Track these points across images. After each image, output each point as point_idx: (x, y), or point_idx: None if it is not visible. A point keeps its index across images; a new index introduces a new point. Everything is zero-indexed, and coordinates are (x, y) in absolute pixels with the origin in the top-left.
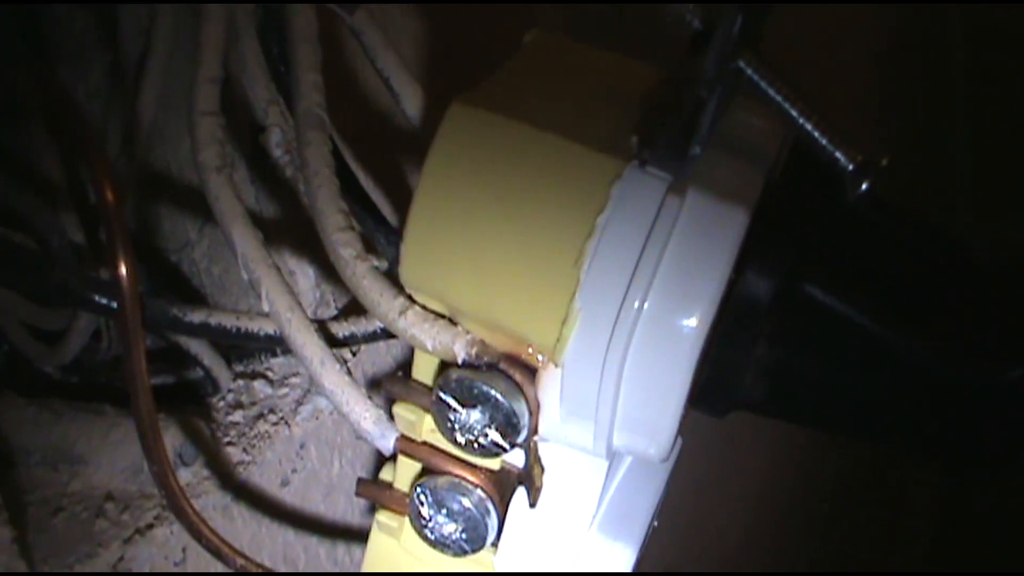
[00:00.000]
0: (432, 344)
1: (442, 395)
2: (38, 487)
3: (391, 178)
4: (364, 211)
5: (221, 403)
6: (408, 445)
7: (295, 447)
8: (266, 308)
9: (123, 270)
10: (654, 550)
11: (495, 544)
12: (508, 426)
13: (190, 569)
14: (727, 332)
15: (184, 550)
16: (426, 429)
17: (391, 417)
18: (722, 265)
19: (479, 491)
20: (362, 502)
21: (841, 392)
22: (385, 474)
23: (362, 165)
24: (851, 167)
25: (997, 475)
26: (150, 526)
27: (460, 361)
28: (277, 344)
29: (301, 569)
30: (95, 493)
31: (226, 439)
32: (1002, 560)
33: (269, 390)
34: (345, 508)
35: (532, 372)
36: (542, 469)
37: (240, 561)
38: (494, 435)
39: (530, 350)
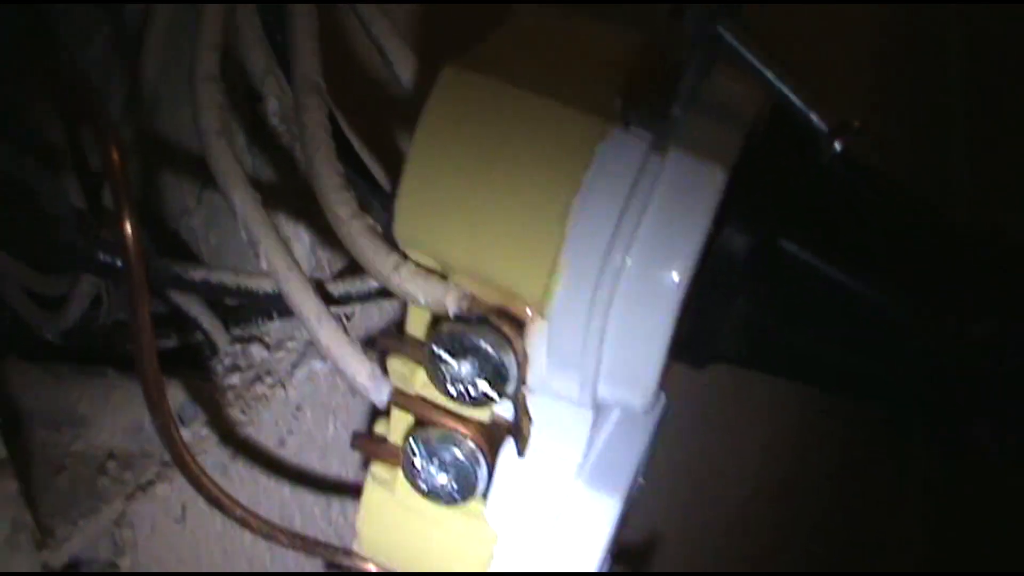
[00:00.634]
0: (424, 298)
1: (434, 348)
2: (42, 448)
3: (385, 144)
4: (358, 176)
5: (219, 366)
6: (402, 398)
7: (291, 409)
8: (264, 267)
9: (128, 228)
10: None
11: (485, 494)
12: (497, 377)
13: (190, 526)
14: (707, 286)
15: (184, 507)
16: (419, 383)
17: (385, 372)
18: (702, 221)
19: (470, 442)
20: (355, 463)
21: (816, 345)
22: (379, 428)
23: (357, 131)
24: (826, 128)
25: (965, 431)
26: (151, 483)
27: (451, 314)
28: (275, 302)
29: (297, 527)
30: (97, 452)
31: (224, 401)
32: (1003, 560)
33: (266, 354)
34: (339, 468)
35: (521, 325)
36: (530, 420)
37: (239, 511)
38: (484, 386)
39: (519, 303)
